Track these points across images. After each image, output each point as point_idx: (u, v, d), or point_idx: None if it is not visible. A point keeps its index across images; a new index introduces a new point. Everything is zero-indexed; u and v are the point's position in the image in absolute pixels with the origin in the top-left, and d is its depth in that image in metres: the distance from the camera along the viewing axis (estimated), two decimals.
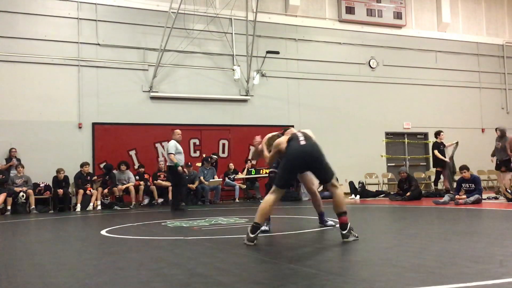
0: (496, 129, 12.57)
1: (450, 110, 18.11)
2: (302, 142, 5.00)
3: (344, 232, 4.79)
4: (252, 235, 4.78)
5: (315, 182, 5.98)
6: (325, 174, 4.98)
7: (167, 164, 11.56)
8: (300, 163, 4.99)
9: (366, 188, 14.70)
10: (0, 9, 12.99)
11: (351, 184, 14.56)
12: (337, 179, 5.20)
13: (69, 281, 3.40)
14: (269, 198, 4.97)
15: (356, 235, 4.85)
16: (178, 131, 11.19)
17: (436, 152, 12.97)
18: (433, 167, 13.59)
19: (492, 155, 12.84)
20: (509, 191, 10.55)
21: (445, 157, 12.91)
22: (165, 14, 13.92)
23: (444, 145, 13.14)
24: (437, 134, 13.23)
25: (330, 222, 6.29)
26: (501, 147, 12.12)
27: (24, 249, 5.30)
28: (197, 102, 14.83)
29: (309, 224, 7.12)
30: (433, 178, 17.10)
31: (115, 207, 12.39)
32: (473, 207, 9.11)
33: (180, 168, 10.69)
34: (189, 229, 6.66)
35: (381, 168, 17.06)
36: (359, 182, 14.70)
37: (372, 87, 17.18)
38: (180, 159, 10.82)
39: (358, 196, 13.93)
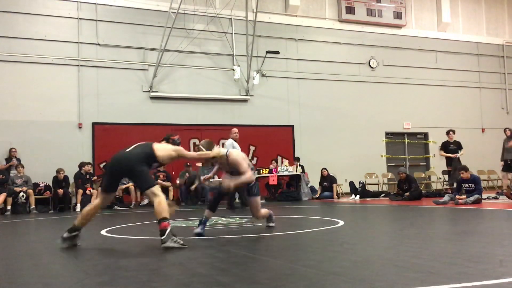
0: (505, 130, 12.53)
1: (450, 110, 18.10)
2: (123, 150, 5.14)
3: (162, 238, 4.64)
4: (66, 235, 5.15)
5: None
6: (140, 184, 5.07)
7: None
8: (111, 169, 5.17)
9: (366, 188, 14.69)
10: (0, 9, 12.99)
11: (351, 184, 14.56)
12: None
13: (69, 281, 3.40)
14: (95, 201, 5.37)
15: (181, 242, 4.63)
16: (234, 129, 11.19)
17: (441, 152, 12.98)
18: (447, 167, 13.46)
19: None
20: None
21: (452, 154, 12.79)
22: (165, 14, 13.92)
23: (451, 143, 12.99)
24: (447, 133, 13.17)
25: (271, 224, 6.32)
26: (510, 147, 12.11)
27: (24, 249, 5.30)
28: (197, 102, 14.83)
29: (309, 224, 7.12)
30: (433, 178, 17.19)
31: (115, 207, 12.39)
32: (473, 207, 9.10)
33: None
34: (189, 229, 6.65)
35: (381, 168, 17.06)
36: (360, 182, 14.69)
37: (372, 87, 17.19)
38: None
39: (358, 196, 13.92)
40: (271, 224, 6.26)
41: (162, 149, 5.19)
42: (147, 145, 5.17)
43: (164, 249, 4.55)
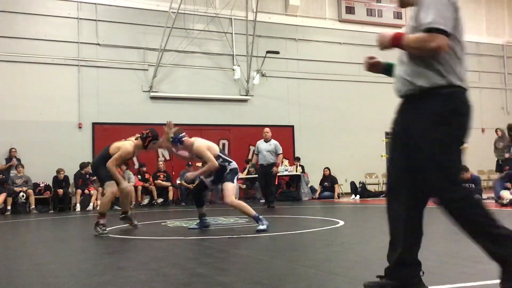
0: (496, 130, 12.62)
1: None
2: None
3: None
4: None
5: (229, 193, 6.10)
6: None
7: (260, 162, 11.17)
8: None
9: (367, 188, 14.70)
10: (0, 9, 12.99)
11: (352, 184, 14.56)
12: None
13: (69, 281, 3.40)
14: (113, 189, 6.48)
15: (104, 232, 5.98)
16: (265, 129, 11.13)
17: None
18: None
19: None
20: None
21: None
22: (165, 14, 13.92)
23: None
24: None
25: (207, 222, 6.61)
26: (501, 147, 12.17)
27: (24, 249, 5.30)
28: (197, 102, 14.83)
29: (309, 224, 7.13)
30: None
31: (115, 207, 12.37)
32: None
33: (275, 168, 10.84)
34: (189, 229, 6.65)
35: (381, 168, 17.04)
36: (360, 182, 14.69)
37: (372, 87, 17.16)
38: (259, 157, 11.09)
39: (358, 196, 13.92)
40: (261, 227, 5.81)
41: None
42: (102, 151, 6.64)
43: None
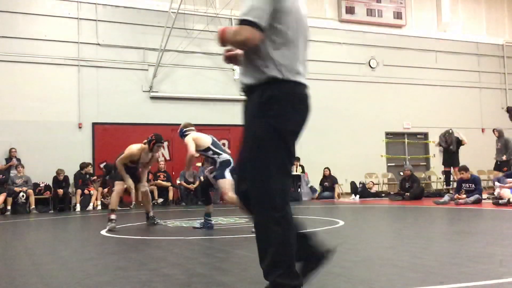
0: (493, 130, 12.64)
1: (450, 110, 18.10)
2: None
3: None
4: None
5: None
6: None
7: None
8: None
9: (367, 188, 14.69)
10: (0, 9, 12.99)
11: (352, 184, 14.55)
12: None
13: (69, 281, 3.40)
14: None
15: (112, 226, 6.58)
16: None
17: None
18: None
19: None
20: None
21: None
22: (165, 14, 13.91)
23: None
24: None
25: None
26: (499, 147, 12.18)
27: (24, 249, 5.29)
28: (197, 102, 14.83)
29: (309, 224, 7.12)
30: (433, 178, 17.19)
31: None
32: (473, 207, 9.10)
33: None
34: (189, 229, 6.66)
35: (381, 168, 17.06)
36: (360, 183, 14.69)
37: (372, 87, 17.17)
38: None
39: (357, 196, 13.92)
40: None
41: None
42: None
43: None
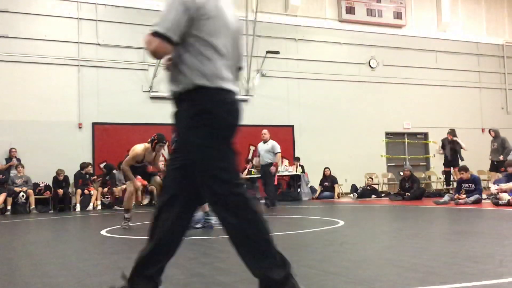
0: (489, 130, 12.67)
1: (450, 110, 18.10)
2: None
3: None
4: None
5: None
6: None
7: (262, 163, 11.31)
8: None
9: (367, 188, 14.69)
10: (0, 9, 12.99)
11: (353, 186, 14.53)
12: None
13: (69, 281, 3.40)
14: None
15: (125, 224, 6.90)
16: (263, 130, 11.27)
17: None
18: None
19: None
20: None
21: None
22: None
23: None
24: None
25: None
26: (495, 147, 12.20)
27: (24, 249, 5.30)
28: None
29: (309, 224, 7.13)
30: (433, 178, 17.19)
31: (115, 207, 12.39)
32: (473, 207, 9.10)
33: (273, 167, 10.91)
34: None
35: (381, 168, 17.06)
36: (360, 187, 14.66)
37: (372, 87, 17.18)
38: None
39: (356, 195, 13.91)
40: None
41: None
42: None
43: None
